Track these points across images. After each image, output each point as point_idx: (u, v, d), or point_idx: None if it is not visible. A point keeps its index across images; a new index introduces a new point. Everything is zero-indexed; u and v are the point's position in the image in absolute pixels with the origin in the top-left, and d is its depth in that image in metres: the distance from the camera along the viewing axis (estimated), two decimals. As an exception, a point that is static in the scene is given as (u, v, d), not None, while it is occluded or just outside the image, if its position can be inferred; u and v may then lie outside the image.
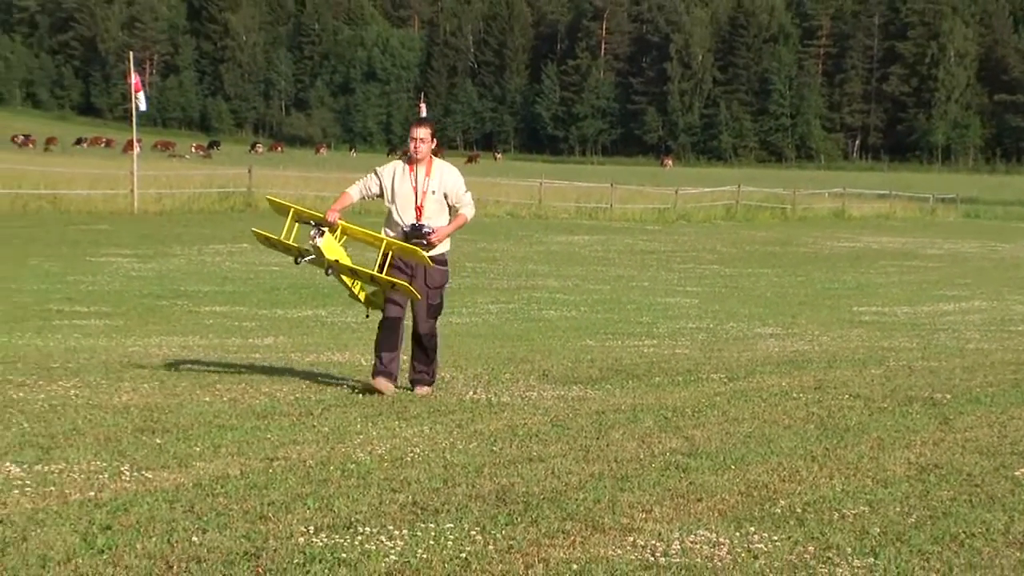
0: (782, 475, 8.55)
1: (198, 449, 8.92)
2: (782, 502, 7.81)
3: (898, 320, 23.63)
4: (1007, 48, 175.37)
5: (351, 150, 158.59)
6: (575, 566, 6.43)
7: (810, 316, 23.91)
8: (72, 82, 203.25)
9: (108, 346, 16.25)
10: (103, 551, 6.42)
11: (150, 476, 8.08)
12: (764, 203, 70.35)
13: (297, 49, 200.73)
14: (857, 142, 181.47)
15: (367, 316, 12.94)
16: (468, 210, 11.96)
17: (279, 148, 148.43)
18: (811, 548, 6.87)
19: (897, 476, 8.63)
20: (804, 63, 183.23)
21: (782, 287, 31.49)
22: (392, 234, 11.74)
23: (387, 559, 6.44)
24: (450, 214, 11.93)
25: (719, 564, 6.56)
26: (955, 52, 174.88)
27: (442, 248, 11.88)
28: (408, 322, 12.04)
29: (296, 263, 12.17)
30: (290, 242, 12.02)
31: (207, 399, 11.18)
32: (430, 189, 11.69)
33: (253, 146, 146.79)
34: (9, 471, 8.07)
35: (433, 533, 6.90)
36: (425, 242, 11.60)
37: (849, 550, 6.85)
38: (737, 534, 7.08)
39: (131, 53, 55.53)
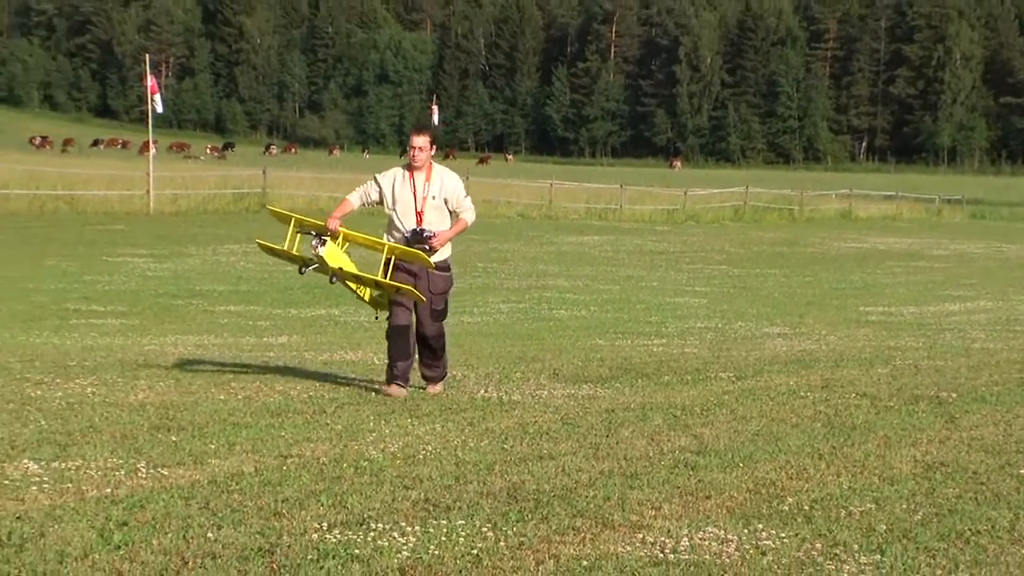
0: (790, 473, 8.59)
1: (213, 447, 8.97)
2: (790, 499, 7.85)
3: (904, 320, 23.62)
4: (1012, 51, 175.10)
5: (364, 151, 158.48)
6: (585, 562, 6.47)
7: (817, 316, 23.91)
8: (89, 84, 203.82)
9: (124, 345, 16.28)
10: (120, 547, 6.46)
11: (166, 473, 8.12)
12: (772, 204, 70.27)
13: (311, 52, 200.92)
14: (864, 144, 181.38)
15: (376, 318, 12.99)
16: (469, 215, 11.92)
17: (293, 150, 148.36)
18: (818, 545, 6.90)
19: (903, 474, 8.67)
20: (811, 66, 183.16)
21: (790, 287, 31.48)
22: (393, 240, 11.72)
23: (399, 555, 6.48)
24: (450, 219, 11.91)
25: (727, 561, 6.60)
26: (961, 55, 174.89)
27: (444, 254, 11.84)
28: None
29: (300, 272, 12.19)
30: (294, 252, 12.03)
31: (222, 397, 11.23)
32: (430, 195, 11.67)
33: (267, 148, 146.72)
34: (27, 468, 8.11)
35: (445, 529, 6.94)
36: (427, 247, 11.58)
37: (856, 547, 6.88)
38: (745, 531, 7.12)
39: (147, 56, 55.72)
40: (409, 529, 6.93)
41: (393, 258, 11.60)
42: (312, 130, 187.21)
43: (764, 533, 7.09)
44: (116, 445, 8.93)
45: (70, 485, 7.74)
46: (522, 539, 6.84)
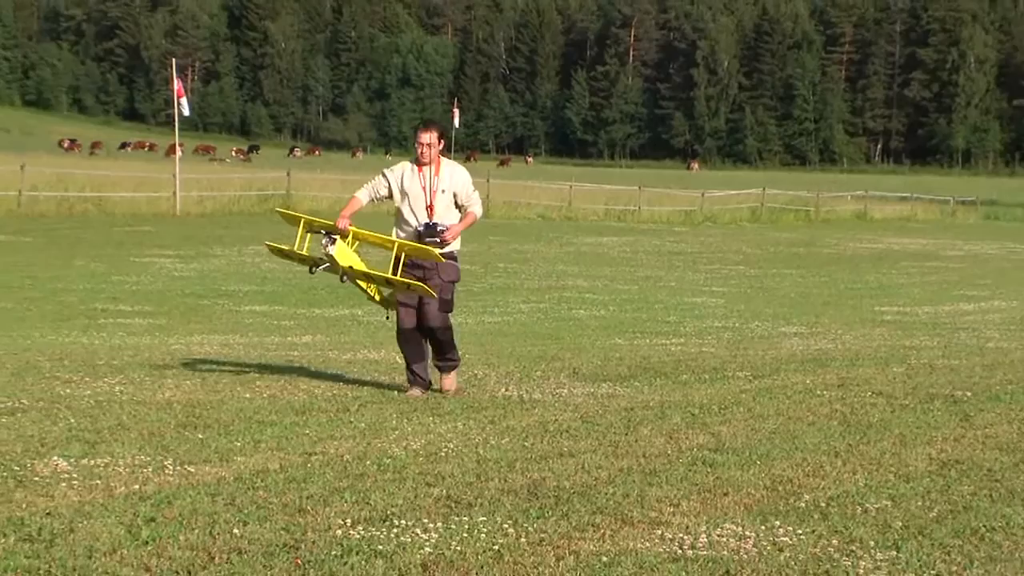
0: (806, 470, 8.62)
1: (239, 444, 9.03)
2: (806, 497, 7.89)
3: (919, 319, 23.58)
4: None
5: (386, 153, 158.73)
6: (604, 558, 6.51)
7: (833, 315, 23.91)
8: (117, 88, 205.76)
9: (151, 344, 16.37)
10: (147, 542, 6.52)
11: (192, 470, 8.19)
12: (788, 205, 70.24)
13: (334, 56, 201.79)
14: (879, 146, 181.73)
15: (387, 318, 13.04)
16: (477, 208, 11.89)
17: (317, 152, 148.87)
18: (835, 541, 6.94)
19: (919, 471, 8.70)
20: (827, 69, 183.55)
21: (806, 287, 31.48)
22: (404, 235, 11.68)
23: (422, 551, 6.53)
24: (459, 213, 11.86)
25: (745, 557, 6.63)
26: (975, 58, 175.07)
27: (453, 247, 11.79)
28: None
29: (311, 272, 12.19)
30: (304, 252, 12.05)
31: (247, 395, 11.30)
32: (440, 188, 11.63)
33: (291, 150, 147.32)
34: (57, 465, 8.18)
35: (467, 526, 6.99)
36: (439, 240, 11.56)
37: (872, 543, 6.92)
38: (763, 528, 7.16)
39: (173, 60, 56.08)
40: (431, 525, 6.97)
41: (403, 255, 11.58)
42: (335, 133, 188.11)
43: (781, 530, 7.12)
44: (144, 442, 9.00)
45: (99, 482, 7.80)
46: (542, 535, 6.88)
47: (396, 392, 11.81)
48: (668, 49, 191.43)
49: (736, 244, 47.64)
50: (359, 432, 9.67)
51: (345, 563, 6.31)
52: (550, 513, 7.32)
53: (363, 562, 6.34)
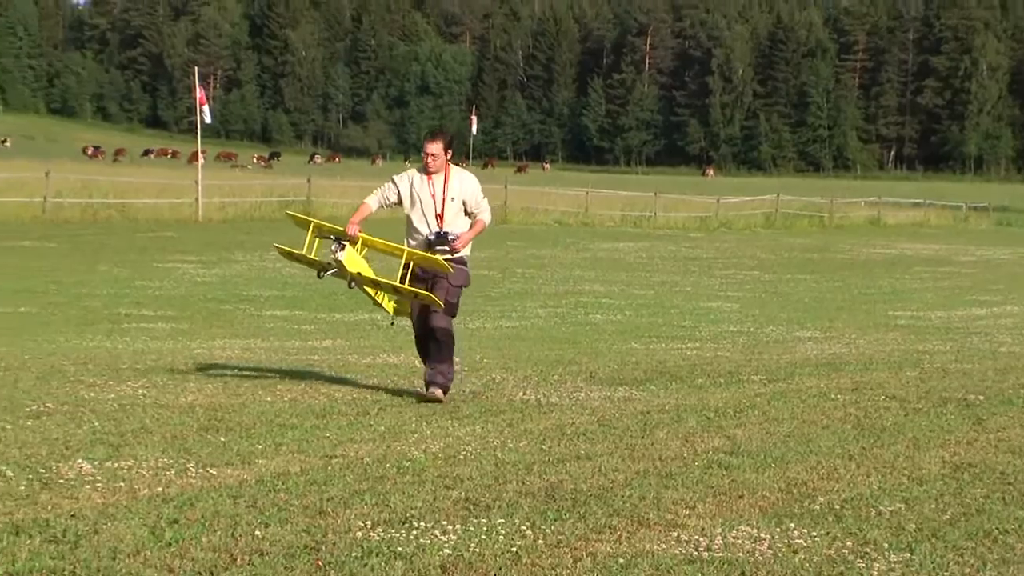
0: (821, 473, 8.67)
1: (260, 447, 9.09)
2: (821, 499, 7.94)
3: (932, 324, 23.51)
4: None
5: (406, 160, 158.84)
6: (621, 560, 6.57)
7: (847, 320, 23.86)
8: (140, 96, 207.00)
9: (174, 348, 16.38)
10: (170, 544, 6.59)
11: (215, 473, 8.25)
12: (802, 211, 70.19)
13: (354, 64, 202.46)
14: (892, 153, 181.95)
15: (392, 324, 12.98)
16: (486, 215, 11.87)
17: (337, 159, 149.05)
18: (849, 544, 7.00)
19: (932, 474, 8.75)
20: (841, 77, 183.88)
21: (820, 292, 31.44)
22: (415, 243, 11.65)
23: (441, 552, 6.59)
24: (468, 220, 11.83)
25: (760, 559, 6.69)
26: (987, 66, 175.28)
27: (463, 253, 11.77)
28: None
29: (319, 277, 12.16)
30: (312, 256, 12.04)
31: (269, 399, 11.33)
32: (449, 196, 11.59)
33: (312, 157, 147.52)
34: (81, 468, 8.24)
35: (485, 528, 7.05)
36: (449, 248, 11.55)
37: (886, 546, 6.98)
38: (777, 530, 7.22)
39: (196, 68, 56.31)
40: (450, 527, 7.03)
41: (412, 264, 11.57)
42: (355, 140, 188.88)
43: (796, 532, 7.18)
44: (167, 445, 9.06)
45: (122, 484, 7.87)
46: (560, 537, 6.93)
47: (415, 396, 11.81)
48: (683, 57, 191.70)
49: (751, 249, 47.60)
50: (379, 435, 9.73)
51: (365, 565, 6.37)
52: (567, 515, 7.38)
53: (383, 564, 6.40)
